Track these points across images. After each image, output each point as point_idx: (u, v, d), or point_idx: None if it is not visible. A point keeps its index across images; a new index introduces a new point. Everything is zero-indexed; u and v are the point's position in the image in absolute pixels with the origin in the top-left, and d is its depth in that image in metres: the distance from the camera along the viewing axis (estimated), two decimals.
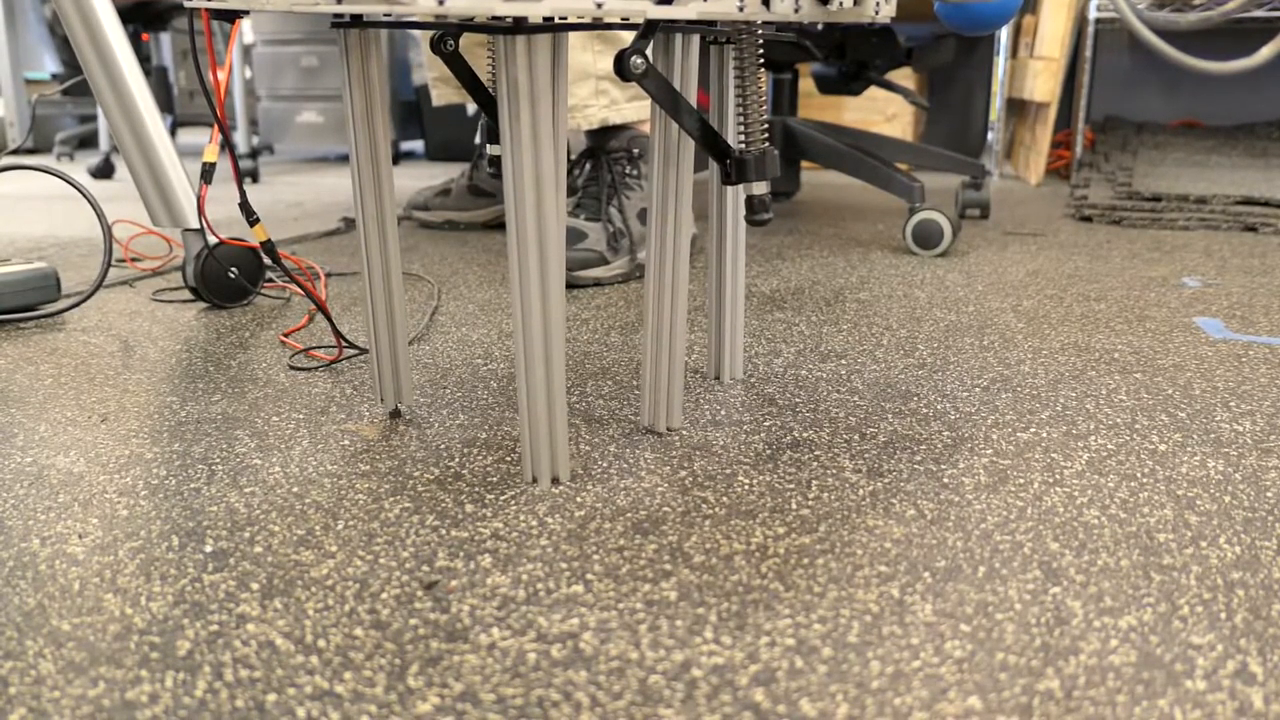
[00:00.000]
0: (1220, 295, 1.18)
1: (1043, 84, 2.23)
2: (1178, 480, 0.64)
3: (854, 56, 1.67)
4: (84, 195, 1.04)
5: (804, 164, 2.67)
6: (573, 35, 1.26)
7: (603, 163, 1.34)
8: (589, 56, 1.32)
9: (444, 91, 1.62)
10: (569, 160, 1.40)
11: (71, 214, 1.83)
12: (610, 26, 0.66)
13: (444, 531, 0.57)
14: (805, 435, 0.72)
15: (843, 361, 0.90)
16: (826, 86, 1.74)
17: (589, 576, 0.52)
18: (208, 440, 0.71)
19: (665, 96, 0.63)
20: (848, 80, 1.70)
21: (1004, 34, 2.42)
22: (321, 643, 0.46)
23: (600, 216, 1.28)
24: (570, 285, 1.21)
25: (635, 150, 1.34)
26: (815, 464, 0.67)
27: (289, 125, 3.03)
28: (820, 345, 0.96)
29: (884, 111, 2.59)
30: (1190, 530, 0.57)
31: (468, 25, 0.64)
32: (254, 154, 2.51)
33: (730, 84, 0.74)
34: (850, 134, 1.74)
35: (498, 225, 1.67)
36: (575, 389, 0.82)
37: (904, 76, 2.52)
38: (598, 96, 1.33)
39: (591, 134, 1.37)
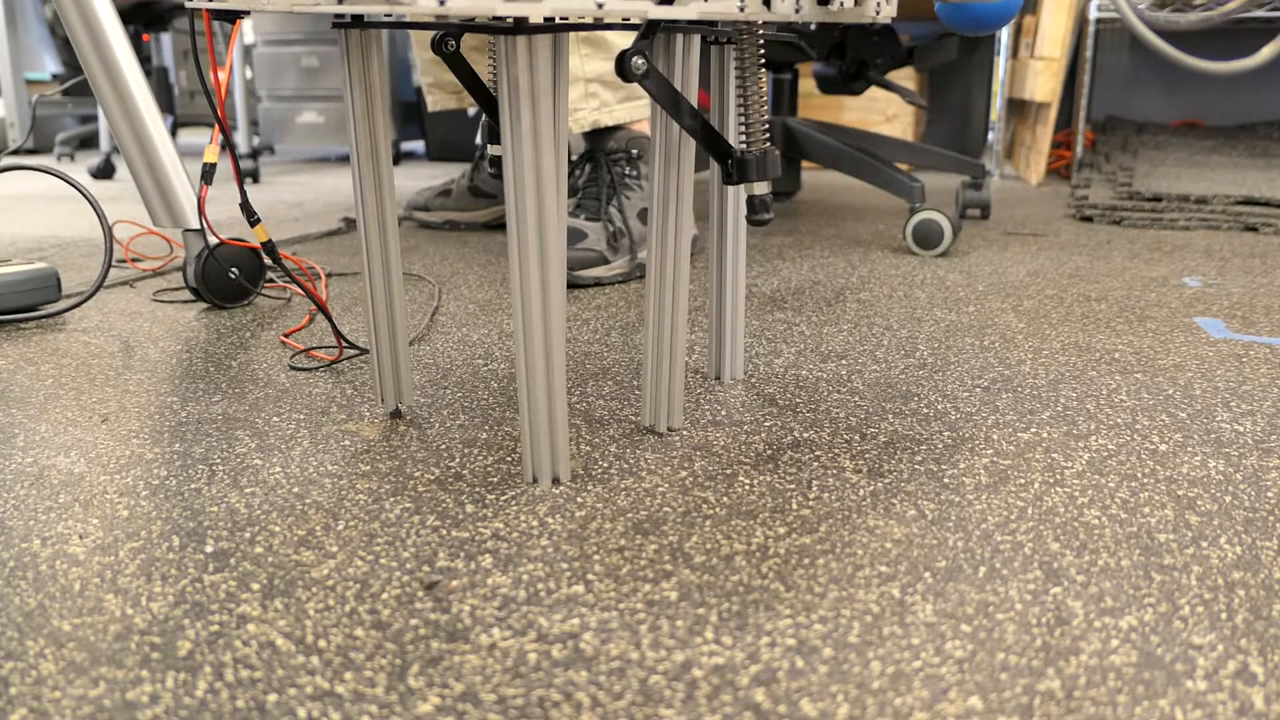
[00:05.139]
0: (1221, 295, 1.18)
1: (1043, 84, 2.23)
2: (1178, 480, 0.64)
3: (854, 56, 1.67)
4: (84, 195, 1.04)
5: (804, 164, 2.67)
6: None
7: (602, 163, 1.34)
8: (576, 60, 1.33)
9: (439, 97, 1.62)
10: (569, 161, 1.40)
11: (72, 214, 1.83)
12: (611, 27, 0.66)
13: (444, 532, 0.57)
14: (806, 435, 0.72)
15: (843, 362, 0.90)
16: (828, 86, 1.74)
17: (589, 577, 0.52)
18: (208, 440, 0.71)
19: (666, 97, 0.63)
20: (848, 80, 1.70)
21: (1004, 34, 2.42)
22: (322, 643, 0.46)
23: (600, 216, 1.28)
24: (571, 285, 1.21)
25: (634, 150, 1.34)
26: (816, 464, 0.67)
27: (289, 125, 3.03)
28: (821, 345, 0.96)
29: (884, 111, 2.59)
30: (1191, 530, 0.57)
31: (469, 25, 0.65)
32: (254, 154, 2.51)
33: (731, 84, 0.74)
34: (850, 134, 1.74)
35: (498, 225, 1.67)
36: (576, 389, 0.82)
37: (905, 76, 2.52)
38: (587, 99, 1.33)
39: (588, 136, 1.37)
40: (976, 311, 1.10)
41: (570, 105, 1.32)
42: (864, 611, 0.49)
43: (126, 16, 2.60)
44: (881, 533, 0.57)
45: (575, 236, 1.23)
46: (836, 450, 0.69)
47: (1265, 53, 1.82)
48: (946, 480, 0.64)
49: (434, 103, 1.62)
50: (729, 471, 0.65)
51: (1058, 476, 0.65)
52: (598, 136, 1.36)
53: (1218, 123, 2.73)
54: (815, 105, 2.62)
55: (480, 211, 1.65)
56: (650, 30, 0.62)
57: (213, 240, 1.08)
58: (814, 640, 0.46)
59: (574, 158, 1.40)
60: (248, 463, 0.67)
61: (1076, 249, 1.50)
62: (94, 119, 3.33)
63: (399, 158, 3.03)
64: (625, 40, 1.32)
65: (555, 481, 0.63)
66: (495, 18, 0.60)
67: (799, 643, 0.46)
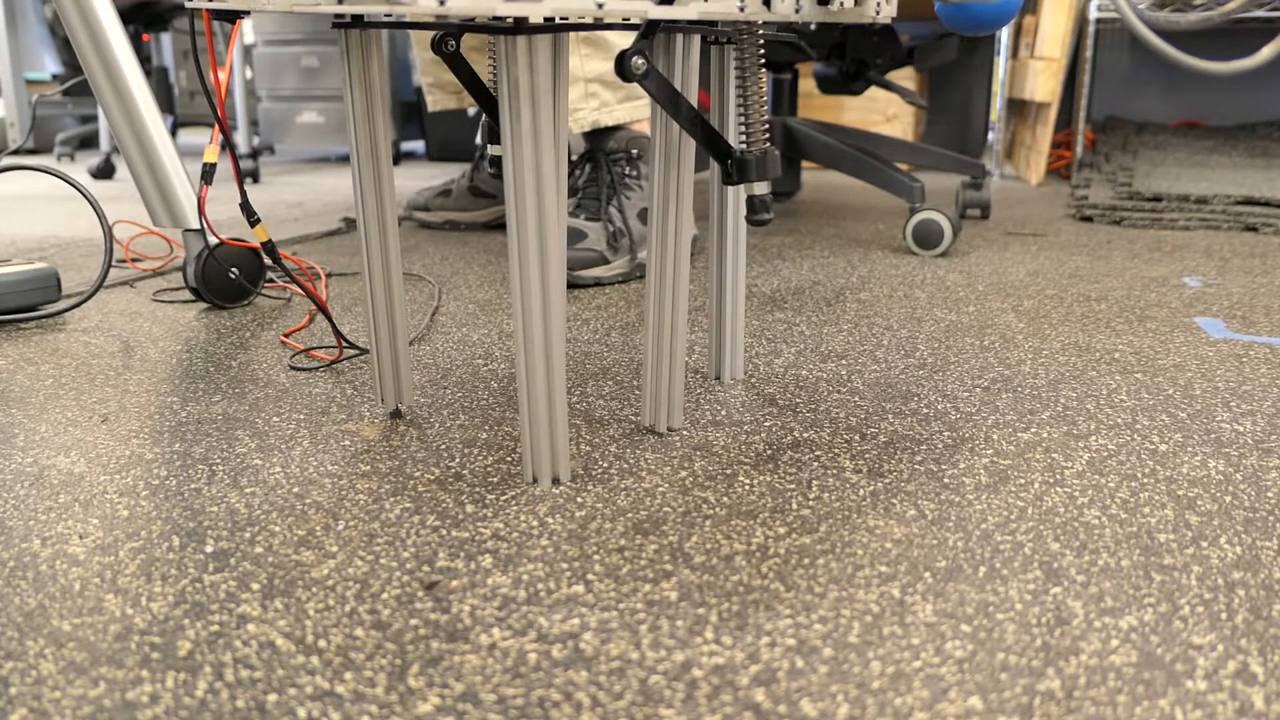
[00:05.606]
0: (1221, 295, 1.18)
1: (1043, 84, 2.23)
2: (1178, 480, 0.64)
3: (854, 56, 1.67)
4: (84, 195, 1.04)
5: (804, 164, 2.67)
6: None
7: (602, 163, 1.34)
8: (576, 60, 1.33)
9: (439, 98, 1.62)
10: (569, 161, 1.40)
11: (72, 214, 1.83)
12: (611, 27, 0.66)
13: (444, 532, 0.57)
14: (806, 435, 0.72)
15: (843, 362, 0.90)
16: (828, 86, 1.74)
17: (589, 577, 0.52)
18: (208, 440, 0.71)
19: (666, 97, 0.63)
20: (848, 80, 1.70)
21: (1004, 34, 2.42)
22: (322, 643, 0.46)
23: (600, 216, 1.28)
24: (571, 285, 1.21)
25: (634, 150, 1.34)
26: (816, 464, 0.67)
27: (289, 125, 3.03)
28: (821, 345, 0.96)
29: (884, 112, 2.59)
30: (1191, 530, 0.57)
31: (469, 26, 0.65)
32: (254, 154, 2.51)
33: (731, 84, 0.74)
34: (850, 134, 1.74)
35: (498, 225, 1.67)
36: (575, 389, 0.82)
37: (905, 77, 2.52)
38: (587, 99, 1.33)
39: (588, 135, 1.37)
40: (976, 311, 1.10)
41: (570, 105, 1.32)
42: (864, 611, 0.49)
43: (126, 16, 2.60)
44: (881, 533, 0.57)
45: (575, 236, 1.23)
46: (836, 450, 0.69)
47: (1265, 53, 1.82)
48: (946, 480, 0.64)
49: (434, 103, 1.62)
50: (729, 471, 0.65)
51: (1058, 476, 0.65)
52: (598, 136, 1.36)
53: (1218, 123, 2.73)
54: (815, 105, 2.62)
55: (480, 211, 1.65)
56: (650, 30, 0.62)
57: (213, 240, 1.08)
58: (814, 640, 0.46)
59: (574, 158, 1.40)
60: (248, 463, 0.67)
61: (1076, 249, 1.50)
62: (94, 119, 3.33)
63: (399, 158, 3.03)
64: (625, 40, 1.32)
65: (555, 481, 0.63)
66: (495, 18, 0.60)
67: (799, 643, 0.46)
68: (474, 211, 1.65)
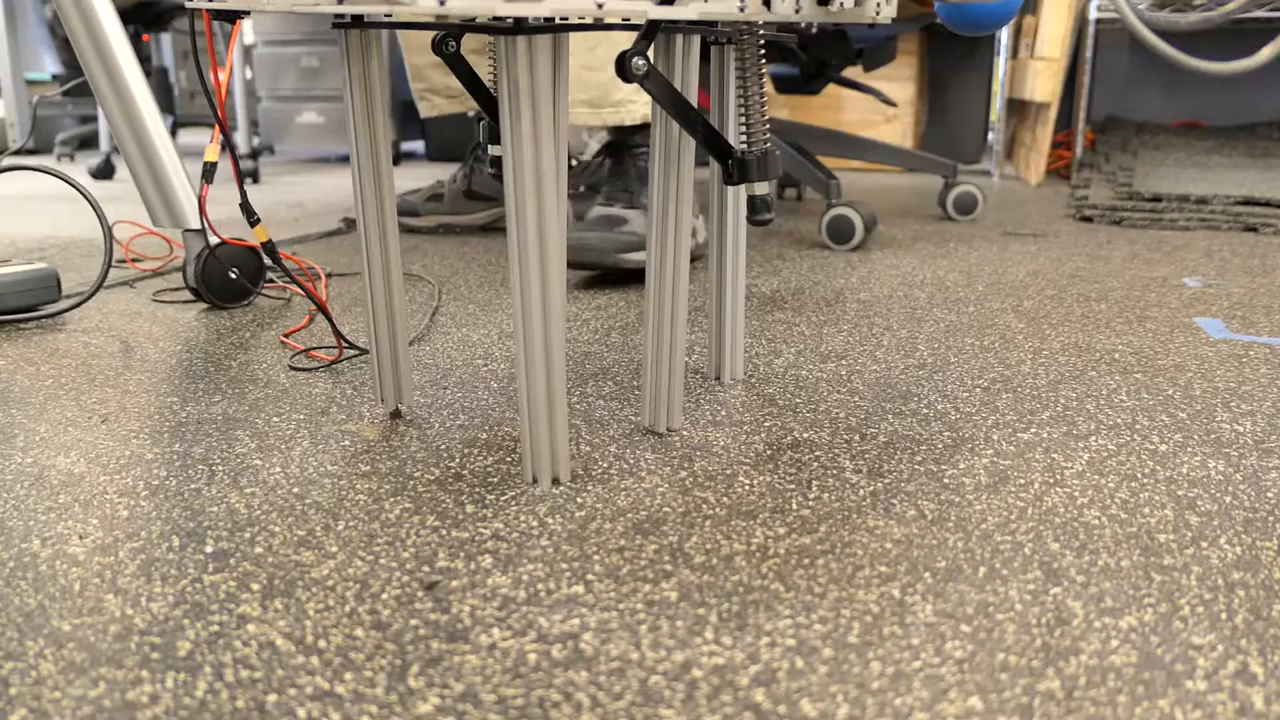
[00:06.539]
0: (1221, 295, 1.18)
1: (1043, 84, 2.23)
2: (1178, 481, 0.64)
3: (815, 56, 1.68)
4: (84, 196, 1.04)
5: None
6: (613, 32, 1.26)
7: (626, 156, 1.33)
8: None
9: (433, 103, 1.61)
10: (588, 158, 1.40)
11: (72, 214, 1.83)
12: (611, 27, 0.66)
13: (444, 532, 0.57)
14: (806, 436, 0.72)
15: (843, 362, 0.90)
16: (784, 86, 1.75)
17: (589, 577, 0.52)
18: (208, 441, 0.71)
19: (667, 97, 0.63)
20: (809, 80, 1.71)
21: (1004, 34, 2.42)
22: (322, 643, 0.46)
23: (636, 204, 1.27)
24: (614, 270, 1.19)
25: None
26: (816, 464, 0.67)
27: (289, 125, 3.03)
28: (820, 345, 0.96)
29: (884, 112, 2.59)
30: (1191, 531, 0.57)
31: (469, 26, 0.65)
32: (255, 154, 2.51)
33: (731, 84, 0.74)
34: (791, 129, 1.74)
35: (495, 228, 1.66)
36: (576, 389, 0.82)
37: (902, 77, 2.52)
38: (639, 91, 1.32)
39: (614, 128, 1.36)
40: (976, 311, 1.10)
41: (626, 97, 1.31)
42: (864, 611, 0.49)
43: (126, 16, 2.60)
44: (881, 533, 0.57)
45: (616, 222, 1.22)
46: (836, 450, 0.69)
47: (1265, 53, 1.83)
48: (946, 480, 0.64)
49: (426, 109, 1.61)
50: (729, 471, 0.65)
51: (1058, 476, 0.65)
52: (626, 129, 1.35)
53: (1218, 123, 2.73)
54: (814, 105, 2.62)
55: (477, 215, 1.64)
56: (651, 31, 0.62)
57: (213, 240, 1.08)
58: (814, 640, 0.46)
59: (585, 156, 1.39)
60: (248, 463, 0.67)
61: (1076, 249, 1.50)
62: (94, 119, 3.33)
63: (399, 158, 3.03)
64: None
65: (555, 482, 0.63)
66: (495, 18, 0.60)
67: (799, 643, 0.46)
68: (470, 215, 1.63)
